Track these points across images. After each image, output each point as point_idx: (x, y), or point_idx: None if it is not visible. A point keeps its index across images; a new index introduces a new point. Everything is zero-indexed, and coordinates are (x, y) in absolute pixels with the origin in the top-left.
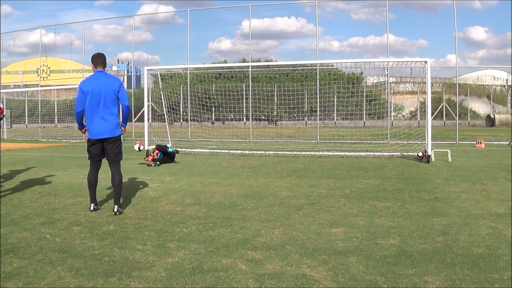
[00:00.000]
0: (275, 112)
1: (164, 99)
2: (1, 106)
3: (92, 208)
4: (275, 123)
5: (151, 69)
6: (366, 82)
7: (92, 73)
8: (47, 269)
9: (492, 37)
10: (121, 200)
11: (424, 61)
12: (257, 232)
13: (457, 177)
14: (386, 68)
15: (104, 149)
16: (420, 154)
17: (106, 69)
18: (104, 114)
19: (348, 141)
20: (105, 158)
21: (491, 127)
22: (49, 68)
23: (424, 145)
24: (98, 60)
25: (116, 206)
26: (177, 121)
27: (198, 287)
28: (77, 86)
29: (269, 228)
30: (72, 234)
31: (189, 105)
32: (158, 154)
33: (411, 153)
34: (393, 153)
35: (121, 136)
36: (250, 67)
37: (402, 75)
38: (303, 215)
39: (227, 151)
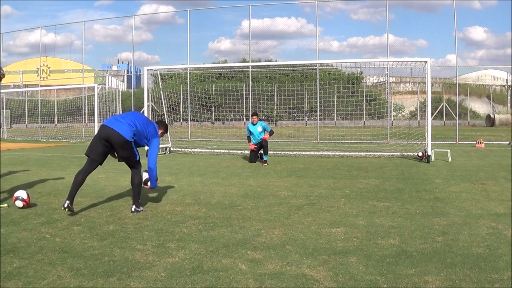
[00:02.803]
0: (275, 112)
1: (164, 99)
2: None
3: (66, 205)
4: (275, 123)
5: (151, 69)
6: (366, 82)
7: None
8: (47, 269)
9: (491, 37)
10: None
11: (424, 61)
12: (257, 232)
13: (457, 177)
14: (386, 68)
15: (115, 151)
16: (420, 154)
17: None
18: (124, 120)
19: (348, 141)
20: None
21: (491, 127)
22: (49, 68)
23: (424, 145)
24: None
25: (133, 206)
26: (177, 121)
27: (198, 287)
28: (77, 86)
29: (269, 228)
30: (72, 234)
31: (189, 105)
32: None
33: (411, 153)
34: (393, 153)
35: (133, 144)
36: (250, 67)
37: (402, 75)
38: (303, 215)
39: (227, 151)
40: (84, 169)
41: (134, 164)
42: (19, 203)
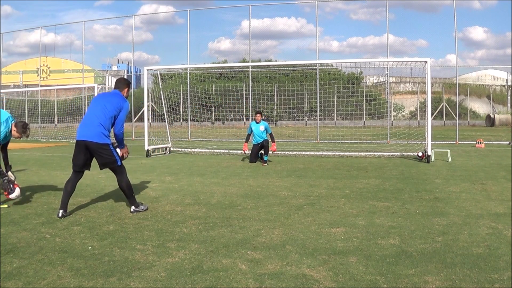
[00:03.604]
0: (275, 112)
1: (164, 99)
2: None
3: (60, 215)
4: (275, 123)
5: (151, 69)
6: (366, 82)
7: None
8: (47, 269)
9: (491, 37)
10: (136, 200)
11: (424, 61)
12: (257, 232)
13: (457, 177)
14: (386, 68)
15: (95, 159)
16: (420, 154)
17: (125, 89)
18: (91, 120)
19: (348, 141)
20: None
21: (491, 127)
22: (49, 68)
23: (424, 145)
24: (117, 81)
25: (132, 207)
26: (177, 121)
27: (198, 287)
28: (77, 86)
29: (269, 228)
30: (72, 234)
31: (189, 105)
32: None
33: (411, 153)
34: (393, 153)
35: (112, 145)
36: (250, 67)
37: (402, 75)
38: (303, 215)
39: (227, 151)
40: (72, 178)
41: (117, 169)
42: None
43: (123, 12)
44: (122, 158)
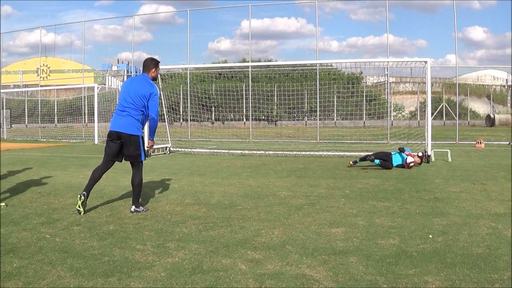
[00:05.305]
0: (275, 112)
1: (164, 99)
2: None
3: (81, 194)
4: (275, 123)
5: None
6: (366, 82)
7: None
8: (47, 269)
9: (491, 37)
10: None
11: (424, 61)
12: (257, 232)
13: (457, 177)
14: (386, 68)
15: (123, 149)
16: (420, 154)
17: (152, 72)
18: (123, 111)
19: (348, 141)
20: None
21: (491, 127)
22: (49, 68)
23: (424, 145)
24: (143, 63)
25: (133, 206)
26: (177, 121)
27: (198, 287)
28: (77, 86)
29: (269, 228)
30: (72, 234)
31: (189, 105)
32: None
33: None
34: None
35: (141, 139)
36: (250, 67)
37: (402, 75)
38: (303, 215)
39: (227, 151)
40: (101, 166)
41: (137, 164)
42: None
43: (123, 12)
44: (146, 153)
